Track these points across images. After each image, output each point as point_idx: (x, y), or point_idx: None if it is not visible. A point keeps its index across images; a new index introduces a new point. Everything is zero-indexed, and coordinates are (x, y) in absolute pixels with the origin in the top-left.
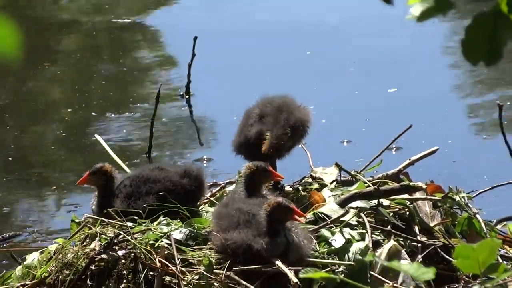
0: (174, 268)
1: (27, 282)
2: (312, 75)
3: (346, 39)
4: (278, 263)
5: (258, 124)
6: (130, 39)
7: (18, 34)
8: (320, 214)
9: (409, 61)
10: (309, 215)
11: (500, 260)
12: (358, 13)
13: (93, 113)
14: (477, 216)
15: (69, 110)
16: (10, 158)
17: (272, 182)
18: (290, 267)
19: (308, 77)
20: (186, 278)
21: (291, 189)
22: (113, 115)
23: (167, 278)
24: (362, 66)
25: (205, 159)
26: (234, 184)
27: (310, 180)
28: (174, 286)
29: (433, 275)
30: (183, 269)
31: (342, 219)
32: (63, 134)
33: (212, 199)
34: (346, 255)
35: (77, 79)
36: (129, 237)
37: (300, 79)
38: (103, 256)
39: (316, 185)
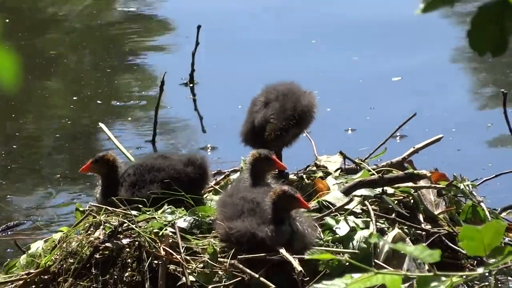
0: (178, 257)
1: (32, 271)
2: (317, 63)
3: (351, 27)
4: (283, 251)
5: (263, 111)
6: (135, 28)
7: (17, 63)
8: (324, 202)
9: (413, 48)
10: (314, 203)
11: None
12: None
13: (98, 101)
14: (482, 204)
15: (74, 98)
16: (14, 146)
17: (277, 170)
18: (294, 256)
19: (313, 65)
20: (190, 267)
21: (295, 177)
22: (118, 103)
23: (172, 267)
24: (367, 55)
25: (209, 148)
26: (239, 172)
27: (314, 168)
28: (179, 274)
29: (438, 257)
30: (188, 257)
31: (346, 207)
32: (68, 122)
33: (216, 187)
34: (351, 243)
35: (83, 68)
36: (133, 226)
37: (305, 67)
38: (108, 244)
39: (320, 173)
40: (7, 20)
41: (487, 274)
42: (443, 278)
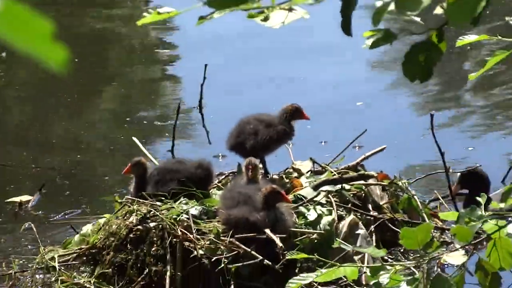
0: (191, 236)
1: (83, 247)
2: (307, 92)
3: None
4: (268, 232)
5: (253, 138)
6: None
7: (66, 48)
8: (298, 196)
9: (373, 81)
10: (291, 197)
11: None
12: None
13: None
14: (415, 197)
15: (128, 119)
16: (79, 156)
17: (263, 171)
18: (277, 235)
19: (305, 93)
20: (200, 243)
21: (277, 177)
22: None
23: (186, 243)
24: (337, 85)
25: (221, 156)
26: (235, 174)
27: (291, 170)
28: (192, 249)
29: (384, 253)
30: (198, 236)
31: (315, 199)
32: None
33: (219, 184)
34: (318, 226)
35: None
36: (158, 213)
37: (298, 94)
38: (139, 227)
39: (295, 174)
40: None
41: (421, 261)
42: (388, 267)
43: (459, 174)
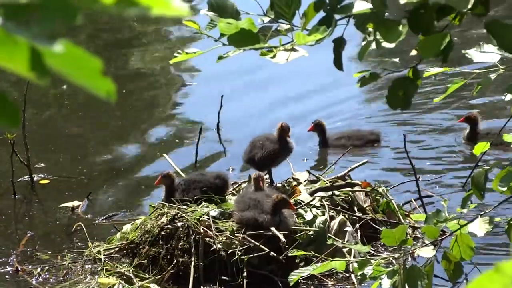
0: (211, 233)
1: (123, 242)
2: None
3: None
4: (273, 230)
5: (261, 151)
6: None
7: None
8: (298, 200)
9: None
10: (292, 201)
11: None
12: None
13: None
14: (392, 201)
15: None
16: (114, 172)
17: (269, 180)
18: (280, 232)
19: (304, 116)
20: (218, 239)
21: (280, 185)
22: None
23: (207, 239)
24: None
25: (232, 168)
26: (246, 183)
27: (291, 180)
28: (211, 243)
29: (368, 249)
30: (217, 233)
31: (311, 203)
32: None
33: (233, 191)
34: (314, 225)
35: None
36: (184, 215)
37: (301, 115)
38: (169, 226)
39: (295, 183)
40: None
41: (398, 256)
42: (373, 261)
43: None
